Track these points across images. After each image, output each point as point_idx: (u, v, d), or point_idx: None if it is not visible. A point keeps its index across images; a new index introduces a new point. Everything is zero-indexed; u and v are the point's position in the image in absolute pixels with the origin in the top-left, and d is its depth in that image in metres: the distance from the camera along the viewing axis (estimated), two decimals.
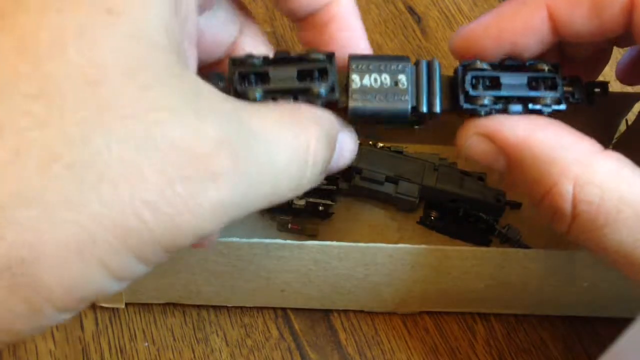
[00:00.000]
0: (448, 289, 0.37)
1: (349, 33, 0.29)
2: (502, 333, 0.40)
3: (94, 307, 0.38)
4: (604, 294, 0.37)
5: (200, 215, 0.21)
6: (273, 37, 0.53)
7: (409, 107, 0.28)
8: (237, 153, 0.22)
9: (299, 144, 0.24)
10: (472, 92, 0.28)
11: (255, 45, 0.30)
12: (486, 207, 0.41)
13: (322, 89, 0.27)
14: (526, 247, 0.41)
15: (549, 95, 0.28)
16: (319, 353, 0.38)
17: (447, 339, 0.39)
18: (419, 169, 0.42)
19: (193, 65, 0.25)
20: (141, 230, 0.20)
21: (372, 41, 0.54)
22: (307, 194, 0.41)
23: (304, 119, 0.25)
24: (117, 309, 0.38)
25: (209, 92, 0.22)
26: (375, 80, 0.28)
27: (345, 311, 0.39)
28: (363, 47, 0.29)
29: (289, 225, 0.42)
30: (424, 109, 0.28)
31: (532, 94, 0.28)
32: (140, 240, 0.20)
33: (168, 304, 0.38)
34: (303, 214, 0.42)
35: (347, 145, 0.28)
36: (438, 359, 0.38)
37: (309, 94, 0.27)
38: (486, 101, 0.28)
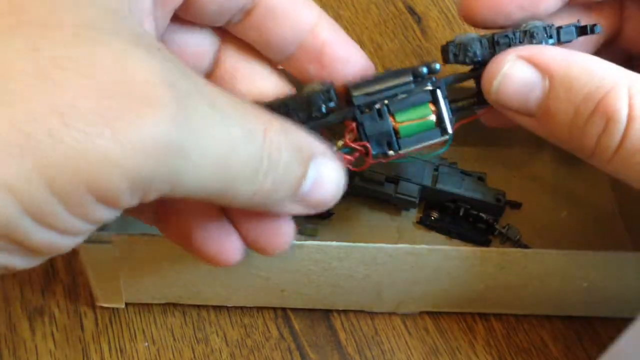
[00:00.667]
0: (448, 289, 0.37)
1: (346, 51, 0.29)
2: (502, 333, 0.40)
3: (94, 307, 0.38)
4: (604, 293, 0.37)
5: (129, 146, 0.18)
6: None
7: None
8: (184, 100, 0.20)
9: (256, 127, 0.23)
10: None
11: (241, 58, 0.30)
12: (486, 207, 0.41)
13: (322, 105, 0.27)
14: (526, 247, 0.41)
15: (535, 24, 0.28)
16: (319, 353, 0.38)
17: (447, 339, 0.39)
18: (419, 169, 0.41)
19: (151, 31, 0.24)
20: (50, 146, 0.17)
21: (372, 41, 0.54)
22: None
23: (268, 116, 0.24)
24: (117, 309, 0.38)
25: (164, 48, 0.21)
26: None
27: (345, 311, 0.39)
28: (362, 61, 0.29)
29: None
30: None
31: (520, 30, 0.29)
32: (50, 159, 0.17)
33: (168, 304, 0.38)
34: None
35: (327, 174, 0.26)
36: (438, 359, 0.38)
37: (306, 108, 0.27)
38: (479, 39, 0.28)
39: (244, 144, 0.22)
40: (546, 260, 0.35)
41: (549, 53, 0.27)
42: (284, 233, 0.28)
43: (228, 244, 0.28)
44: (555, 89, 0.26)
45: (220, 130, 0.21)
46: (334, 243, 0.34)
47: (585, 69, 0.26)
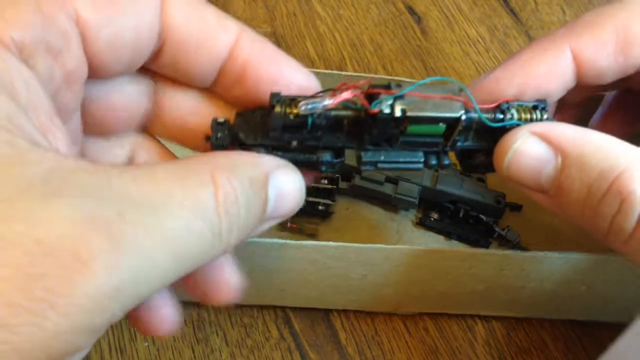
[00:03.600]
0: (446, 291, 0.37)
1: (272, 70, 0.26)
2: (502, 333, 0.40)
3: None
4: (603, 298, 0.37)
5: (75, 312, 0.18)
6: (273, 37, 0.53)
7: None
8: (113, 229, 0.19)
9: (198, 198, 0.21)
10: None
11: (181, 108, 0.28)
12: (486, 208, 0.41)
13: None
14: (525, 249, 0.41)
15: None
16: (319, 353, 0.38)
17: (447, 339, 0.39)
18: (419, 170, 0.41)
19: (64, 141, 0.22)
20: (5, 338, 0.17)
21: (372, 41, 0.54)
22: (307, 192, 0.41)
23: (208, 168, 0.22)
24: None
25: (71, 168, 0.20)
26: None
27: (345, 311, 0.39)
28: (299, 79, 0.27)
29: (288, 224, 0.42)
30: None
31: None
32: (11, 350, 0.17)
33: None
34: (302, 213, 0.42)
35: (287, 188, 0.25)
36: (438, 359, 0.38)
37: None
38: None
39: (196, 226, 0.21)
40: (545, 263, 0.35)
41: (562, 130, 0.26)
42: (231, 285, 0.27)
43: (165, 312, 0.26)
44: (568, 166, 0.26)
45: (165, 233, 0.20)
46: (331, 243, 0.34)
47: (599, 147, 0.25)
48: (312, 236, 0.41)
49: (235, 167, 0.23)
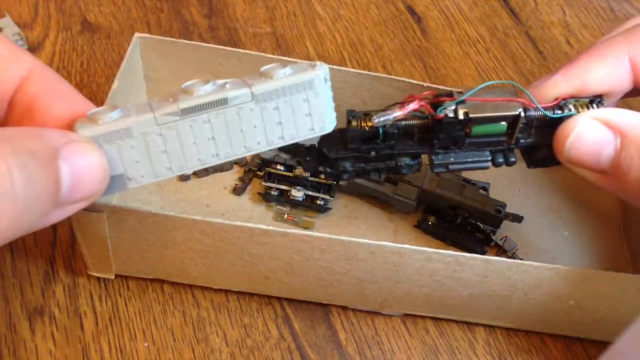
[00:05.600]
0: (431, 293, 0.37)
1: (60, 106, 0.26)
2: (502, 333, 0.40)
3: (94, 307, 0.38)
4: (591, 314, 0.37)
5: None
6: (273, 37, 0.53)
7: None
8: None
9: None
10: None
11: (47, 86, 0.27)
12: (485, 217, 0.41)
13: None
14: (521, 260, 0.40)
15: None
16: (319, 353, 0.38)
17: (447, 339, 0.39)
18: (421, 172, 0.41)
19: None
20: None
21: (372, 41, 0.54)
22: (307, 187, 0.42)
23: None
24: (117, 307, 0.38)
25: None
26: None
27: (345, 311, 0.39)
28: (85, 106, 0.26)
29: (285, 216, 0.42)
30: None
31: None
32: None
33: (167, 303, 0.38)
34: (300, 206, 0.42)
35: (83, 165, 0.23)
36: (438, 359, 0.38)
37: None
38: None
39: None
40: (530, 273, 0.34)
41: (621, 114, 0.28)
42: None
43: None
44: (627, 147, 0.28)
45: None
46: (316, 234, 0.33)
47: None
48: (306, 229, 0.41)
49: (10, 138, 0.21)
